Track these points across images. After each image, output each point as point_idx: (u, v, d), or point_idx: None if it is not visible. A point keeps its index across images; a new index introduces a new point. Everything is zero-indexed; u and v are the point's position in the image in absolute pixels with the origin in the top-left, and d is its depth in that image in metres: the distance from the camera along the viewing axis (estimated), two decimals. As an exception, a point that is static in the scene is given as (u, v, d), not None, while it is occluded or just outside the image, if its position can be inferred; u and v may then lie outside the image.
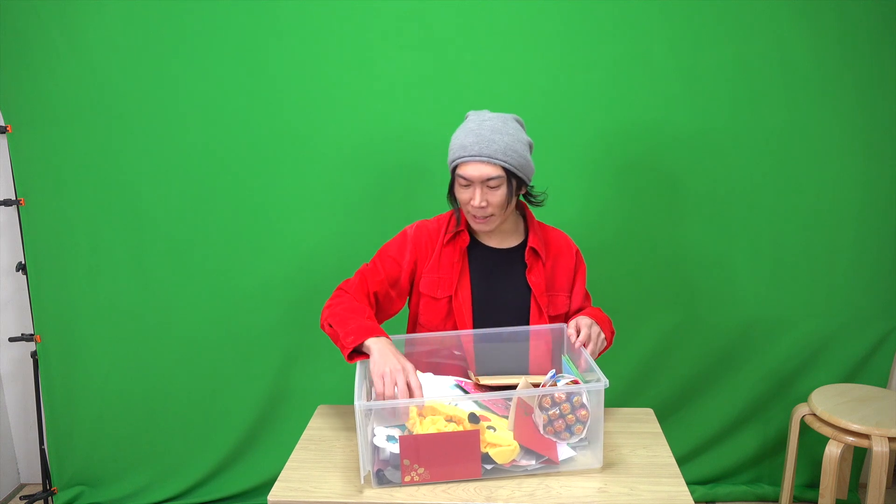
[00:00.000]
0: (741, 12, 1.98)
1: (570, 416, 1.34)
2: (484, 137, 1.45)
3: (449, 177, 1.57)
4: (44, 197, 2.15)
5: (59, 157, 2.12)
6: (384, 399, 1.30)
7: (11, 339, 2.27)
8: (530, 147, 1.54)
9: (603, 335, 1.52)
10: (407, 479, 1.29)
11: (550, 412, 1.34)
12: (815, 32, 1.99)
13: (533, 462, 1.33)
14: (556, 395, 1.33)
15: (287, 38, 2.04)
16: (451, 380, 1.51)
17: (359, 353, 1.41)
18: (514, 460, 1.32)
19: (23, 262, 2.20)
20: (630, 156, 2.10)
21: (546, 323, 1.60)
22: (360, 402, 1.26)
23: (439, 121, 2.06)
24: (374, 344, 1.38)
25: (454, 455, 1.28)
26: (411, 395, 1.30)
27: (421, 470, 1.29)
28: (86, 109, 2.08)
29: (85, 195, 2.15)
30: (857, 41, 1.99)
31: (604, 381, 1.31)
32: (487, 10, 2.00)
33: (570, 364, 1.55)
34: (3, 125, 2.09)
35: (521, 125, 1.55)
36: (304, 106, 2.08)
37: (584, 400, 1.33)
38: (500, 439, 1.31)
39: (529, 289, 1.60)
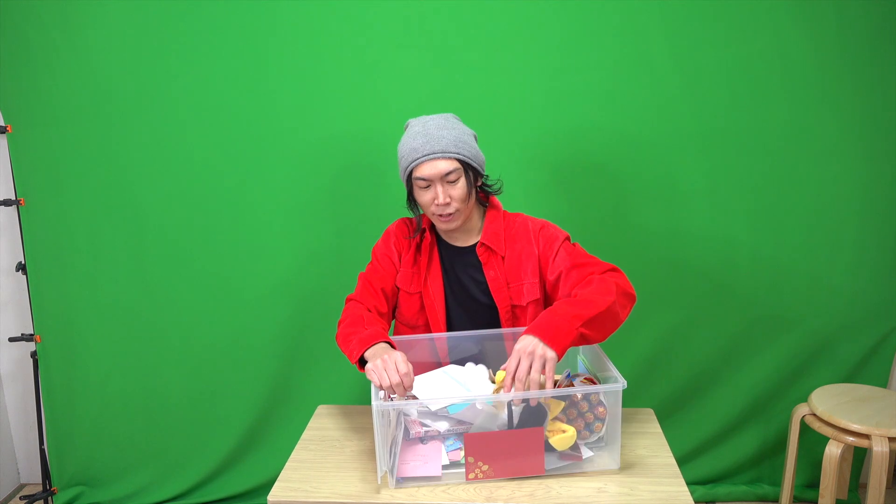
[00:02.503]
0: (741, 12, 1.98)
1: (588, 414, 1.34)
2: (432, 136, 1.49)
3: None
4: (44, 197, 2.15)
5: (59, 157, 2.12)
6: (381, 389, 1.32)
7: (11, 339, 2.28)
8: (475, 138, 1.59)
9: (550, 353, 1.26)
10: (471, 476, 1.30)
11: (568, 411, 1.34)
12: (815, 32, 1.99)
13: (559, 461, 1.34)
14: (574, 394, 1.33)
15: (287, 39, 2.03)
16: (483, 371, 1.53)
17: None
18: (570, 447, 1.33)
19: (23, 262, 2.20)
20: (630, 156, 2.10)
21: (512, 313, 1.61)
22: (377, 402, 1.26)
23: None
24: (368, 352, 1.40)
25: (518, 452, 1.29)
26: (402, 381, 1.30)
27: (485, 467, 1.30)
28: (86, 109, 2.08)
29: (85, 195, 2.15)
30: (857, 41, 1.99)
31: (622, 382, 1.31)
32: (487, 10, 2.00)
33: (585, 361, 1.55)
34: (3, 125, 2.09)
35: (459, 120, 1.60)
36: (304, 107, 2.08)
37: (602, 397, 1.33)
38: (560, 426, 1.32)
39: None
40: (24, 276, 2.21)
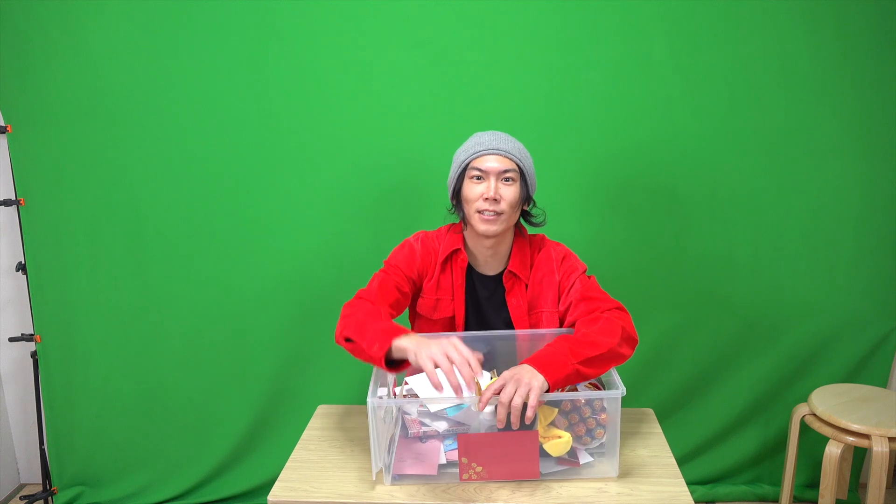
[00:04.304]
0: (741, 12, 1.98)
1: (590, 419, 1.34)
2: (500, 138, 1.52)
3: (446, 198, 1.59)
4: (44, 197, 2.15)
5: (59, 157, 2.12)
6: (441, 384, 1.22)
7: (11, 339, 2.27)
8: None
9: (536, 381, 1.23)
10: (465, 476, 1.30)
11: (570, 415, 1.34)
12: (815, 32, 1.99)
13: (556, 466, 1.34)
14: (577, 399, 1.33)
15: (288, 39, 2.03)
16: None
17: (391, 362, 1.32)
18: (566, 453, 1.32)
19: (23, 262, 2.20)
20: (630, 156, 2.10)
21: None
22: (372, 399, 1.25)
23: (439, 124, 2.06)
24: (404, 339, 1.28)
25: (513, 455, 1.28)
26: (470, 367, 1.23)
27: (479, 469, 1.29)
28: (86, 109, 2.08)
29: (85, 195, 2.14)
30: (857, 41, 1.99)
31: (621, 390, 1.31)
32: (487, 10, 2.00)
33: None
34: (3, 125, 2.09)
35: None
36: (304, 107, 2.08)
37: (605, 403, 1.33)
38: (554, 431, 1.31)
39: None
40: (24, 276, 2.21)
